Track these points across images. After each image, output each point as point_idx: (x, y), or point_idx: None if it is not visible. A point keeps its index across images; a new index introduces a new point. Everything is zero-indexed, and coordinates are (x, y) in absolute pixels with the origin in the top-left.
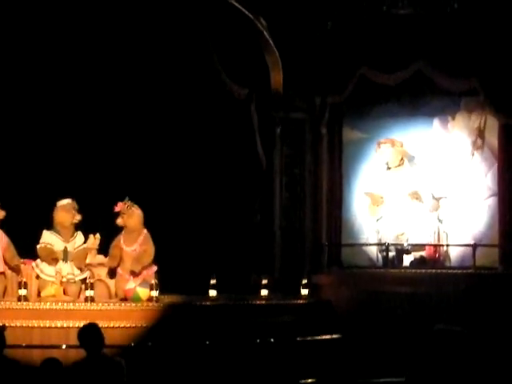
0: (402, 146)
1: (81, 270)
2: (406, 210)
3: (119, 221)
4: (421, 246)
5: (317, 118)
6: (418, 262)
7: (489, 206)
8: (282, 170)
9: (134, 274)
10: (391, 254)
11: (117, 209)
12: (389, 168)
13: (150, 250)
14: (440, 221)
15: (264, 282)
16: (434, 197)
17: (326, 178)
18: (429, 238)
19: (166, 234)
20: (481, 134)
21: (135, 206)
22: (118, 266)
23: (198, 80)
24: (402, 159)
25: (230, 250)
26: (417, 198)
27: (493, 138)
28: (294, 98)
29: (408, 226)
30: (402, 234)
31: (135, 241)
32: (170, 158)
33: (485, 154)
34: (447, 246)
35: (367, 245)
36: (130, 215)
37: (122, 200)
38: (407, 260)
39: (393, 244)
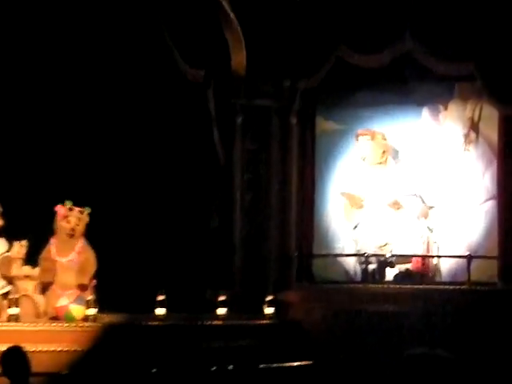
0: (383, 138)
1: (5, 282)
2: (389, 214)
3: (68, 226)
4: (406, 258)
5: (285, 106)
6: (404, 277)
7: (486, 211)
8: (244, 167)
9: (84, 287)
10: (372, 266)
11: (63, 212)
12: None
13: (92, 258)
14: (429, 229)
15: (221, 298)
16: (422, 201)
17: (295, 177)
18: (416, 249)
19: (105, 241)
20: (474, 125)
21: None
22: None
23: (146, 61)
24: (384, 154)
25: (181, 260)
26: (398, 209)
27: (491, 131)
28: (259, 82)
29: (392, 233)
30: (385, 245)
31: (72, 249)
32: (110, 152)
33: (482, 150)
34: (438, 257)
35: (343, 256)
36: (82, 220)
37: (56, 202)
38: (390, 274)
39: (374, 255)
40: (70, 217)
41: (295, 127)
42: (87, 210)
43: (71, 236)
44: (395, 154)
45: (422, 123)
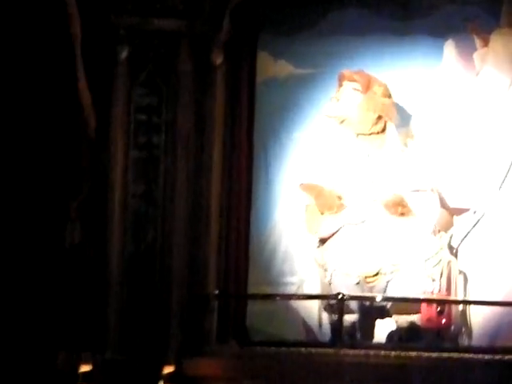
0: (385, 94)
1: None
2: (386, 223)
3: None
4: (412, 303)
5: (204, 33)
6: (406, 336)
7: None
8: (130, 138)
9: None
10: (350, 316)
11: None
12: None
13: None
14: (453, 251)
15: (84, 368)
16: (442, 201)
17: (219, 157)
18: (429, 287)
19: None
20: None
21: None
22: None
23: None
24: (379, 120)
25: (16, 301)
26: (402, 214)
27: None
28: None
29: (389, 256)
30: (376, 275)
31: None
32: None
33: None
34: (465, 303)
35: (301, 298)
36: None
37: None
38: (384, 331)
39: (354, 297)
40: None
41: (221, 70)
42: None
43: None
44: (402, 120)
45: (442, 68)
